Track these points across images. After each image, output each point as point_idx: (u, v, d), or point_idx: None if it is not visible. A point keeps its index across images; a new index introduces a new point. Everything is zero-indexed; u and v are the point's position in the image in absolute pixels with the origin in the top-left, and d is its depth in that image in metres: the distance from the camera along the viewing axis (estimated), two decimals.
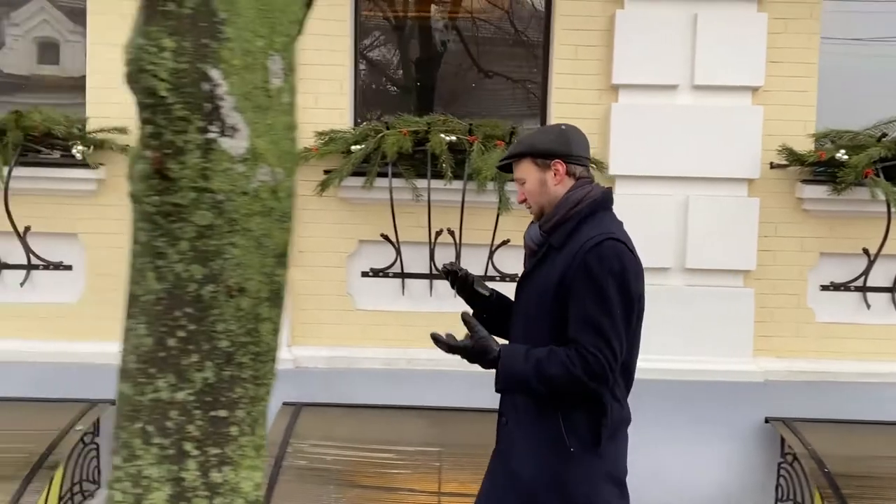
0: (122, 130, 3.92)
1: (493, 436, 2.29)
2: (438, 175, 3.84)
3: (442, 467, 3.49)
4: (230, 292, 1.02)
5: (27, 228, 3.99)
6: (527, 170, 2.23)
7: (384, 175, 3.88)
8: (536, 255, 2.24)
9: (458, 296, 2.38)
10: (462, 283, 2.34)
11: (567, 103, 4.05)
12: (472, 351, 2.07)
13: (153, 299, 1.03)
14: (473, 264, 3.95)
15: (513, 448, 2.19)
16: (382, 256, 4.12)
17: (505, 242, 4.02)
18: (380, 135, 3.85)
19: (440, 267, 2.40)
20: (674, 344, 3.97)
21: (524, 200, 2.28)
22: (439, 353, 2.14)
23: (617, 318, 2.05)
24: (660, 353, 3.98)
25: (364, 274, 4.15)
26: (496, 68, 4.48)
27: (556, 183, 2.21)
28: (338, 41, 4.06)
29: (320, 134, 3.97)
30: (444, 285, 4.09)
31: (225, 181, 0.99)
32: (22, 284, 4.08)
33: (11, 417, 3.82)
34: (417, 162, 3.91)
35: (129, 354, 1.06)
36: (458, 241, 4.01)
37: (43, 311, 4.10)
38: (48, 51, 4.43)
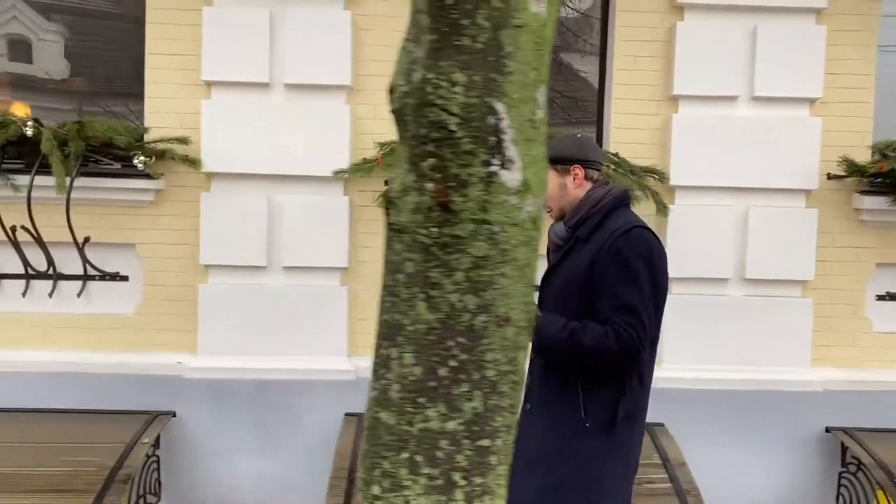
0: (184, 141, 3.89)
1: None
2: None
3: None
4: (499, 322, 1.03)
5: (87, 239, 3.95)
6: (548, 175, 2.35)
7: None
8: (563, 249, 2.39)
9: None
10: None
11: (625, 113, 4.08)
12: None
13: (424, 329, 1.03)
14: None
15: (533, 430, 2.27)
16: None
17: None
18: None
19: None
20: (733, 354, 4.00)
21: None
22: None
23: (647, 297, 2.19)
24: (719, 363, 4.02)
25: None
26: (553, 78, 4.50)
27: (575, 186, 2.41)
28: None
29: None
30: None
31: (501, 213, 0.99)
32: (79, 295, 4.05)
33: (75, 429, 3.78)
34: None
35: (392, 384, 1.05)
36: None
37: (99, 322, 4.07)
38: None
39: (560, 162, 2.38)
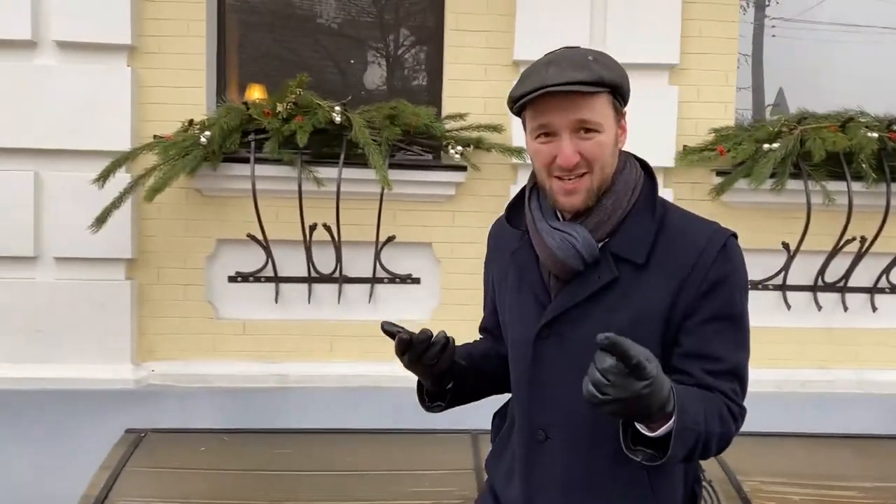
0: (497, 129, 3.46)
1: None
2: (858, 177, 3.44)
3: None
4: None
5: (390, 238, 3.53)
6: (606, 112, 1.39)
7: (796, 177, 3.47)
8: (590, 280, 1.41)
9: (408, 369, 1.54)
10: (418, 351, 1.46)
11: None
12: (647, 385, 1.17)
13: None
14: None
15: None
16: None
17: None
18: (794, 131, 3.44)
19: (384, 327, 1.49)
20: None
21: (576, 167, 1.38)
22: None
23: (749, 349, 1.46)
24: None
25: None
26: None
27: (620, 145, 1.46)
28: (726, 27, 3.64)
29: (717, 131, 3.56)
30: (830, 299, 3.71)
31: None
32: (369, 300, 3.63)
33: (390, 451, 3.36)
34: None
35: None
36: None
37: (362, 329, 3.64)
38: None
39: (624, 100, 1.44)
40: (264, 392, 3.53)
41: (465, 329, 3.54)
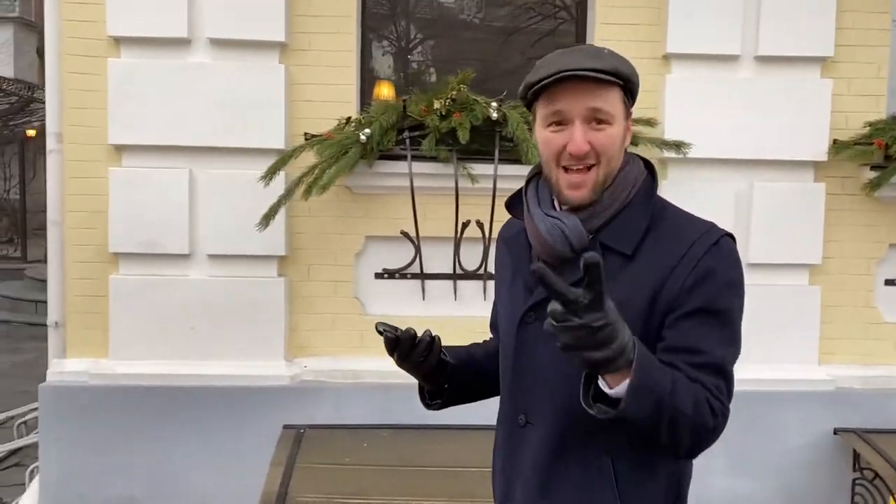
0: (650, 122, 3.43)
1: None
2: None
3: None
4: None
5: None
6: (617, 105, 1.38)
7: None
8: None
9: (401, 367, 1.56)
10: (408, 349, 1.50)
11: None
12: (593, 320, 1.11)
13: None
14: None
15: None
16: None
17: None
18: None
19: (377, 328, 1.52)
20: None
21: (585, 156, 1.35)
22: None
23: (739, 347, 1.38)
24: None
25: None
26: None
27: (626, 142, 1.43)
28: (879, 18, 3.57)
29: (871, 124, 3.50)
30: None
31: None
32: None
33: None
34: None
35: None
36: None
37: None
38: None
39: (633, 95, 1.42)
40: (413, 388, 3.54)
41: None
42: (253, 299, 3.47)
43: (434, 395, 1.66)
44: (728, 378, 1.34)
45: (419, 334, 1.52)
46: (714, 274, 1.33)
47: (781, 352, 3.55)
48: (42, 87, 15.78)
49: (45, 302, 8.94)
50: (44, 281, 9.76)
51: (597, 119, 1.35)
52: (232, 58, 3.42)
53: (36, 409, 5.02)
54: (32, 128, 16.40)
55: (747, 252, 3.53)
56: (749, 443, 3.54)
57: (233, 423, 3.44)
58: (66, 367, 3.48)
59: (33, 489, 3.50)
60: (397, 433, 3.40)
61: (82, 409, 3.42)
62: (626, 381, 1.19)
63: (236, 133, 3.42)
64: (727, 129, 3.48)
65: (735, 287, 1.37)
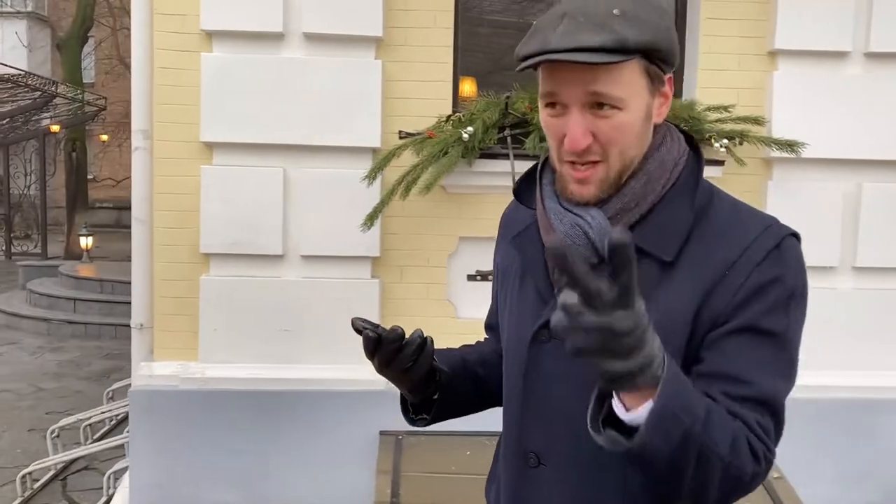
0: (758, 121, 3.32)
1: None
2: None
3: None
4: None
5: None
6: (633, 83, 1.07)
7: None
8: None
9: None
10: (392, 353, 1.24)
11: (713, 70, 3.41)
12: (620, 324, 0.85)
13: None
14: None
15: None
16: None
17: None
18: None
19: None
20: (840, 356, 3.39)
21: (585, 151, 1.08)
22: None
23: (795, 376, 1.10)
24: (823, 368, 3.32)
25: None
26: None
27: (658, 118, 1.13)
28: None
29: None
30: None
31: None
32: None
33: None
34: None
35: None
36: None
37: None
38: None
39: (662, 60, 1.09)
40: None
41: None
42: (346, 301, 3.38)
43: (419, 409, 1.37)
44: (778, 416, 1.07)
45: (408, 334, 1.24)
46: (774, 285, 1.07)
47: (891, 358, 3.44)
48: (62, 82, 15.73)
49: (84, 300, 9.02)
50: (79, 278, 9.79)
51: (600, 103, 1.06)
52: (327, 53, 3.32)
53: (103, 412, 4.98)
54: (57, 122, 16.41)
55: (855, 255, 3.42)
56: (855, 451, 3.44)
57: (326, 428, 3.35)
58: (155, 370, 3.40)
59: (123, 494, 3.42)
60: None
61: (173, 413, 3.34)
62: (649, 404, 0.93)
63: (330, 131, 3.32)
64: (836, 127, 3.37)
65: (799, 304, 1.10)
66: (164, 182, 3.37)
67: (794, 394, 1.10)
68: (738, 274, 1.06)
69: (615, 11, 1.03)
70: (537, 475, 1.20)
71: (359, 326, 1.23)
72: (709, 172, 3.36)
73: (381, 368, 1.26)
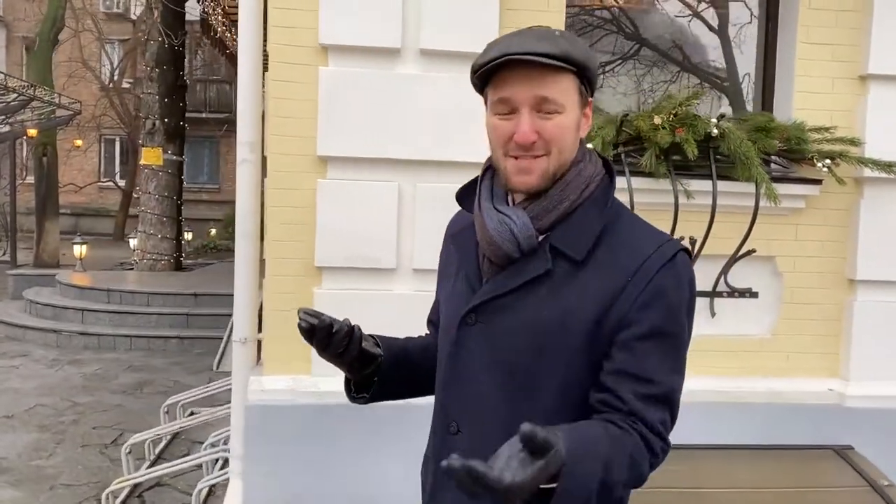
0: (853, 141, 3.46)
1: None
2: None
3: None
4: None
5: (749, 252, 3.51)
6: (569, 93, 1.32)
7: None
8: (520, 267, 1.33)
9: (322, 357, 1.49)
10: (325, 339, 1.42)
11: (806, 93, 3.55)
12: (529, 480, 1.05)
13: None
14: None
15: None
16: None
17: None
18: None
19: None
20: None
21: (532, 146, 1.30)
22: None
23: (684, 374, 1.34)
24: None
25: None
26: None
27: (582, 133, 1.37)
28: None
29: None
30: None
31: None
32: (713, 315, 3.60)
33: (757, 467, 3.34)
34: None
35: None
36: None
37: (727, 344, 3.63)
38: None
39: (589, 81, 1.35)
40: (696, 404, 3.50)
41: (806, 345, 3.59)
42: None
43: (361, 388, 1.57)
44: (674, 409, 1.31)
45: (335, 322, 1.43)
46: (670, 292, 1.27)
47: None
48: (40, 84, 15.22)
49: (92, 311, 8.76)
50: (82, 288, 9.52)
51: (546, 108, 1.29)
52: (443, 69, 3.36)
53: (163, 427, 4.89)
54: (34, 126, 15.97)
55: None
56: None
57: None
58: (265, 384, 3.37)
59: None
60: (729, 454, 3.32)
61: (288, 429, 3.32)
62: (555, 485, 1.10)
63: (445, 146, 3.36)
64: None
65: (690, 310, 1.32)
66: (278, 195, 3.36)
67: None
68: (640, 280, 1.27)
69: (556, 33, 1.32)
70: (455, 441, 1.40)
71: (300, 316, 1.41)
72: (806, 191, 3.48)
73: (320, 352, 1.45)
